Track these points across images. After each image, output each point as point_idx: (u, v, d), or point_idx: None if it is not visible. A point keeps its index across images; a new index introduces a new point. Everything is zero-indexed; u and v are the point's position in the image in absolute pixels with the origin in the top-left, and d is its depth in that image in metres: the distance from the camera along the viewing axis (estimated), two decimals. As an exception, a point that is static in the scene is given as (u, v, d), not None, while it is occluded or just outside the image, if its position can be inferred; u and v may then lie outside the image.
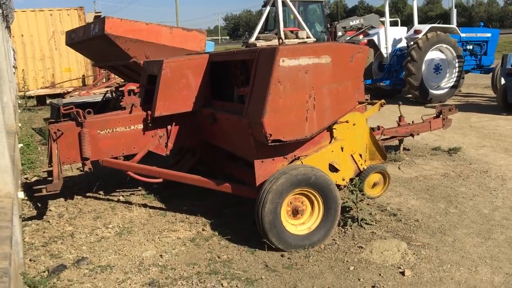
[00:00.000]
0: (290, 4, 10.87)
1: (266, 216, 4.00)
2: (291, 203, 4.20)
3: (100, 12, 22.14)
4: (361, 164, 4.73)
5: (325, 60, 4.12)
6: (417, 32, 12.38)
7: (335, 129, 4.52)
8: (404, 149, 7.24)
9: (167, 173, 5.06)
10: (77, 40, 7.73)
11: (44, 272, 3.91)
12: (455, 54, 12.46)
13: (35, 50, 16.92)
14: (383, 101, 4.80)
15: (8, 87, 8.20)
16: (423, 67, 12.07)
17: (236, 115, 4.46)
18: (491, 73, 13.07)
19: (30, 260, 4.13)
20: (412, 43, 12.21)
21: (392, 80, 13.06)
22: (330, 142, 4.55)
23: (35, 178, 6.63)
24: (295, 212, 4.21)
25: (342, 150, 4.58)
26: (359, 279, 3.70)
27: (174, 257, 4.15)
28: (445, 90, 12.59)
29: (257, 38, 10.80)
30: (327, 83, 4.17)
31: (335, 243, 4.31)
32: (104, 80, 15.71)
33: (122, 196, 5.79)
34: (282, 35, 9.92)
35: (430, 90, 12.29)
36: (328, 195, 4.22)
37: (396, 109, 6.92)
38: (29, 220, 5.08)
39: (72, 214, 5.27)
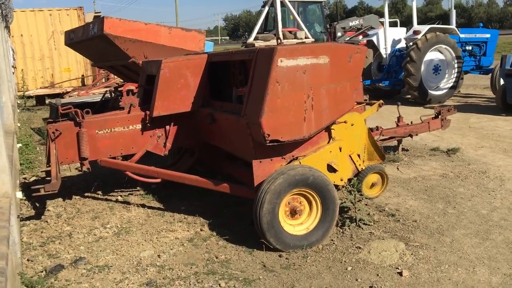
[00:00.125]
0: (289, 4, 10.88)
1: (264, 216, 4.00)
2: (289, 203, 4.20)
3: (100, 12, 22.16)
4: (359, 165, 4.73)
5: (323, 60, 4.12)
6: (416, 32, 12.39)
7: (333, 129, 4.52)
8: (403, 149, 7.24)
9: (165, 173, 5.05)
10: (76, 40, 7.73)
11: (42, 272, 3.91)
12: (454, 55, 12.46)
13: (34, 50, 16.93)
14: (381, 101, 4.80)
15: (7, 87, 8.20)
16: (422, 68, 12.07)
17: (234, 115, 4.46)
18: (490, 74, 13.07)
19: (28, 260, 4.13)
20: (411, 43, 12.21)
21: (391, 80, 13.06)
22: (328, 142, 4.55)
23: (33, 178, 6.62)
24: (293, 213, 4.21)
25: (340, 151, 4.58)
26: (356, 280, 3.70)
27: (172, 257, 4.15)
28: (444, 91, 12.60)
29: (256, 38, 10.81)
30: (325, 83, 4.17)
31: (333, 243, 4.30)
32: (103, 80, 15.71)
33: (121, 196, 5.79)
34: (281, 36, 9.92)
35: (429, 91, 12.29)
36: (326, 195, 4.22)
37: (395, 110, 6.93)
38: (27, 220, 5.07)
39: (70, 214, 5.27)
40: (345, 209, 4.72)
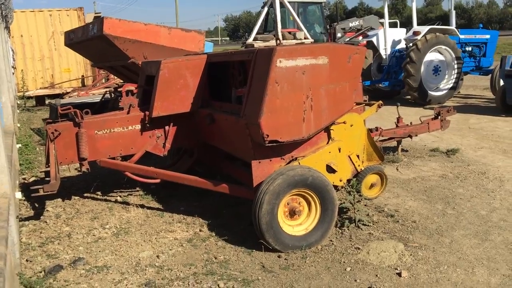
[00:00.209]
0: (288, 5, 10.88)
1: (263, 217, 4.00)
2: (288, 204, 4.19)
3: (100, 13, 22.16)
4: (359, 165, 4.73)
5: (323, 61, 4.12)
6: (416, 33, 12.39)
7: (332, 130, 4.52)
8: (402, 150, 7.24)
9: (164, 173, 5.06)
10: (76, 40, 7.73)
11: (41, 272, 3.90)
12: (454, 56, 12.47)
13: (34, 51, 16.93)
14: (380, 102, 4.80)
15: (7, 87, 8.20)
16: (422, 69, 12.07)
17: (233, 115, 4.46)
18: (490, 75, 13.07)
19: (27, 260, 4.13)
20: (411, 44, 12.22)
21: (391, 81, 13.06)
22: (327, 143, 4.55)
23: (33, 179, 6.62)
24: (292, 213, 4.21)
25: (340, 151, 4.58)
26: (355, 280, 3.70)
27: (171, 257, 4.15)
28: (444, 92, 12.60)
29: (255, 39, 10.80)
30: (324, 84, 4.17)
31: (332, 244, 4.30)
32: (103, 81, 15.71)
33: (120, 196, 5.79)
34: (280, 36, 9.92)
35: (429, 92, 12.29)
36: (325, 196, 4.21)
37: (394, 110, 6.93)
38: (26, 221, 5.07)
39: (70, 214, 5.27)
40: (344, 210, 4.72)
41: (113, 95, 8.14)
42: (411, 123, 6.88)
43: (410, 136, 6.72)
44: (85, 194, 5.91)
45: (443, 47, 12.35)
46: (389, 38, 13.30)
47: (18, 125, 10.73)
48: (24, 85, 16.40)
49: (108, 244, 4.44)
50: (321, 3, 16.09)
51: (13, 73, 14.60)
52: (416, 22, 13.40)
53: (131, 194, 5.86)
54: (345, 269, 3.86)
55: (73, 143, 4.89)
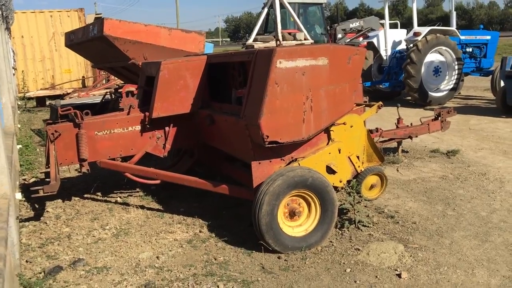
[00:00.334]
0: (288, 6, 10.88)
1: (263, 218, 3.99)
2: (288, 205, 4.19)
3: (101, 14, 22.18)
4: (359, 166, 4.73)
5: (322, 62, 4.12)
6: (416, 34, 12.39)
7: (332, 131, 4.52)
8: (403, 151, 7.23)
9: (164, 174, 5.05)
10: (76, 41, 7.73)
11: (40, 273, 3.90)
12: (454, 57, 12.46)
13: (35, 52, 16.94)
14: (380, 103, 4.79)
15: (7, 88, 8.20)
16: (423, 69, 12.07)
17: (233, 116, 4.46)
18: (490, 76, 13.06)
19: (27, 261, 4.13)
20: (411, 45, 12.21)
21: (392, 82, 13.06)
22: (327, 144, 4.55)
23: (33, 179, 6.62)
24: (292, 214, 4.20)
25: (340, 152, 4.57)
26: (355, 281, 3.69)
27: (171, 258, 4.15)
28: (445, 93, 12.59)
29: (255, 40, 10.80)
30: (324, 84, 4.17)
31: (332, 245, 4.30)
32: (103, 82, 15.71)
33: (120, 197, 5.79)
34: (280, 37, 9.92)
35: (430, 93, 12.29)
36: (325, 197, 4.21)
37: (395, 111, 6.92)
38: (26, 221, 5.07)
39: (69, 215, 5.27)
40: (344, 211, 4.72)
41: (113, 96, 8.14)
42: (411, 124, 6.87)
43: (410, 137, 6.71)
44: (85, 195, 5.91)
45: (444, 48, 12.34)
46: (390, 39, 13.30)
47: (19, 126, 10.74)
48: (24, 86, 16.41)
49: (108, 245, 4.44)
50: (321, 4, 16.09)
51: (13, 74, 14.62)
52: (417, 23, 13.39)
53: (131, 195, 5.86)
54: (345, 270, 3.86)
55: (73, 144, 4.90)
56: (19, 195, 4.91)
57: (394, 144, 7.02)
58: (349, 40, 14.16)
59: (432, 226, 4.68)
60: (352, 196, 4.60)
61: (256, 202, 4.04)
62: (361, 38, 14.15)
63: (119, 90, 8.01)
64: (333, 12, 63.97)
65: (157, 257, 4.17)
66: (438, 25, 13.22)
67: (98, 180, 6.37)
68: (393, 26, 14.39)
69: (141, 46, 6.66)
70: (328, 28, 15.84)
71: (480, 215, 4.91)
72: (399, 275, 3.74)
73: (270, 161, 4.32)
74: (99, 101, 8.37)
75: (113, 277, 3.83)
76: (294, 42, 10.21)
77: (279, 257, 4.07)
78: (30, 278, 3.80)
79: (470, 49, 13.43)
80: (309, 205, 4.26)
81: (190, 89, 5.09)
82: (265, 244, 4.08)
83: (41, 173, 6.00)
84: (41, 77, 17.06)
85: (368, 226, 4.61)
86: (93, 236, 4.68)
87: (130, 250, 4.33)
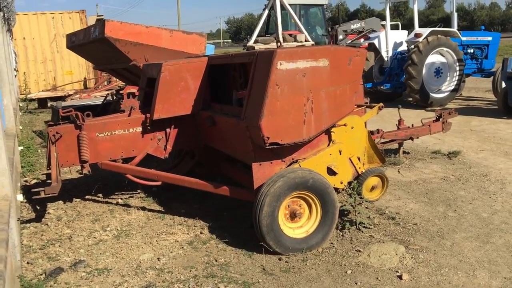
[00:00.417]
0: (289, 7, 10.87)
1: (264, 219, 3.99)
2: (288, 206, 4.19)
3: (102, 15, 22.23)
4: (359, 168, 4.73)
5: (323, 63, 4.12)
6: (417, 35, 12.38)
7: (333, 132, 4.52)
8: (404, 152, 7.23)
9: (165, 176, 5.06)
10: (78, 43, 7.76)
11: (41, 275, 3.91)
12: (455, 58, 12.45)
13: (36, 53, 16.98)
14: (381, 104, 4.79)
15: (9, 90, 8.22)
16: (424, 71, 12.05)
17: (234, 118, 4.46)
18: (492, 77, 13.04)
19: (28, 263, 4.13)
20: (412, 46, 12.21)
21: (393, 83, 13.05)
22: (328, 145, 4.55)
23: (34, 181, 6.63)
24: (293, 215, 4.20)
25: (340, 153, 4.57)
26: (356, 283, 3.69)
27: (172, 260, 4.15)
28: (446, 94, 12.58)
29: (256, 41, 10.80)
30: (325, 86, 4.17)
31: (333, 246, 4.30)
32: (105, 83, 15.74)
33: (121, 199, 5.79)
34: (281, 38, 9.92)
35: (431, 94, 12.27)
36: (326, 198, 4.21)
37: (396, 112, 6.91)
38: (27, 223, 5.08)
39: (71, 216, 5.27)
40: (345, 212, 4.72)
41: (115, 97, 8.15)
42: (412, 125, 6.87)
43: (412, 138, 6.71)
44: (87, 197, 5.92)
45: (445, 49, 12.33)
46: (391, 40, 13.30)
47: (20, 127, 10.75)
48: (26, 87, 16.45)
49: (109, 247, 4.45)
50: (322, 5, 16.09)
51: (15, 76, 14.64)
52: (418, 24, 13.38)
53: (132, 197, 5.86)
54: (346, 272, 3.85)
55: (75, 146, 4.90)
56: (20, 197, 4.92)
57: (395, 145, 7.01)
58: (350, 41, 14.16)
59: (433, 227, 4.67)
60: (353, 198, 4.59)
61: (256, 203, 4.04)
62: (362, 39, 14.15)
63: (121, 92, 8.03)
64: (334, 13, 63.96)
65: (158, 258, 4.17)
66: (439, 26, 13.21)
67: (100, 182, 6.38)
68: (394, 27, 14.38)
69: (142, 48, 6.67)
70: (329, 30, 15.84)
71: (481, 217, 4.90)
72: (400, 277, 3.74)
73: (271, 163, 4.32)
74: (100, 103, 8.37)
75: (114, 279, 3.83)
76: (295, 44, 10.20)
77: (280, 259, 4.07)
78: (31, 280, 3.80)
79: (472, 50, 13.40)
80: (310, 206, 4.26)
81: (191, 91, 5.10)
82: (266, 246, 4.08)
83: (42, 174, 6.02)
84: (43, 79, 17.09)
85: (369, 228, 4.61)
86: (94, 237, 4.68)
87: (131, 251, 4.34)
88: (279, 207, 4.06)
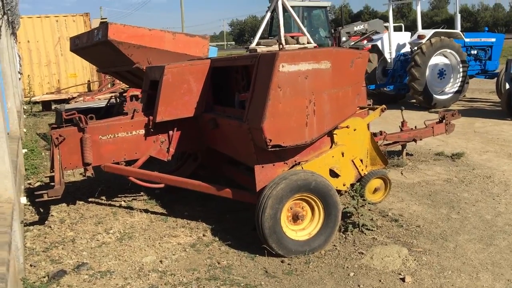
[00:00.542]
0: (291, 9, 10.87)
1: (266, 222, 3.99)
2: (291, 209, 4.19)
3: (106, 18, 22.29)
4: (362, 170, 4.72)
5: (325, 65, 4.12)
6: (420, 37, 12.36)
7: (335, 134, 4.52)
8: (407, 154, 7.22)
9: (168, 178, 5.07)
10: (81, 46, 7.78)
11: (44, 277, 3.92)
12: (459, 59, 12.42)
13: (41, 56, 17.06)
14: (384, 106, 4.79)
15: (12, 92, 8.25)
16: (427, 72, 12.02)
17: (236, 120, 4.47)
18: (495, 78, 13.00)
19: (31, 265, 4.14)
20: (415, 48, 12.19)
21: (396, 85, 13.03)
22: (330, 147, 4.55)
23: (38, 184, 6.65)
24: (295, 218, 4.20)
25: (343, 155, 4.57)
26: (359, 286, 3.68)
27: (174, 262, 4.15)
28: (449, 95, 12.55)
29: (258, 44, 10.80)
30: (327, 88, 4.17)
31: (336, 249, 4.29)
32: (109, 86, 15.79)
33: (124, 201, 5.80)
34: (283, 41, 9.92)
35: (434, 95, 12.24)
36: (328, 200, 4.20)
37: (399, 114, 6.90)
38: (31, 226, 5.09)
39: (74, 219, 5.28)
40: (348, 214, 4.71)
41: (118, 100, 8.18)
42: (415, 127, 6.85)
43: (415, 140, 6.70)
44: (90, 199, 5.93)
45: (448, 50, 12.30)
46: (394, 42, 13.29)
47: (24, 130, 10.80)
48: (30, 90, 16.52)
49: (112, 249, 4.45)
50: (325, 7, 16.10)
51: (19, 79, 14.71)
52: (422, 26, 13.36)
53: (135, 199, 5.87)
54: (349, 274, 3.84)
55: (78, 148, 4.92)
56: (24, 199, 4.94)
57: (398, 147, 7.00)
58: (353, 43, 14.16)
59: (437, 229, 4.66)
60: (355, 200, 4.59)
61: (259, 205, 4.04)
62: (365, 41, 14.14)
63: (124, 94, 8.06)
64: (338, 15, 63.96)
65: (161, 261, 4.17)
66: (442, 28, 13.19)
67: (103, 184, 6.40)
68: (397, 29, 14.37)
69: (146, 51, 6.69)
70: (333, 31, 15.85)
71: (484, 219, 4.88)
72: (403, 279, 3.73)
73: (273, 165, 4.32)
74: (104, 105, 8.40)
75: (117, 281, 3.83)
76: (297, 46, 10.20)
77: (282, 261, 4.07)
78: (34, 282, 3.81)
79: (475, 52, 13.37)
80: (312, 208, 4.25)
81: (193, 93, 5.11)
82: (268, 248, 4.07)
83: (45, 177, 6.04)
84: (47, 82, 17.17)
85: (372, 230, 4.59)
86: (97, 240, 4.69)
87: (133, 254, 4.34)
88: (281, 210, 4.06)
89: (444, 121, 6.80)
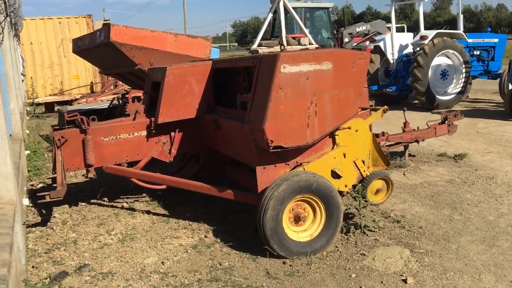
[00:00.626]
0: (292, 10, 10.88)
1: (268, 223, 3.99)
2: (293, 210, 4.18)
3: (109, 20, 22.31)
4: (364, 171, 4.71)
5: (326, 66, 4.12)
6: (423, 38, 12.34)
7: (337, 135, 4.51)
8: (410, 155, 7.20)
9: (170, 179, 5.07)
10: (83, 47, 7.79)
11: (46, 279, 3.92)
12: (461, 60, 12.39)
13: (44, 58, 17.09)
14: (385, 107, 4.77)
15: (15, 94, 8.27)
16: (430, 73, 12.00)
17: (238, 121, 4.47)
18: (498, 79, 12.97)
19: (33, 267, 4.14)
20: (418, 49, 12.17)
21: (399, 86, 13.00)
22: (332, 148, 4.54)
23: (41, 185, 6.67)
24: (297, 219, 4.19)
25: (345, 157, 4.56)
26: (360, 287, 3.67)
27: (176, 264, 4.15)
28: (452, 96, 12.52)
29: (260, 45, 10.81)
30: (329, 89, 4.17)
31: (338, 250, 4.28)
32: (112, 87, 15.81)
33: (126, 202, 5.81)
34: (284, 42, 9.93)
35: (437, 96, 12.22)
36: (330, 201, 4.20)
37: (402, 115, 6.90)
38: (33, 227, 5.10)
39: (76, 220, 5.29)
40: (350, 216, 4.70)
41: (121, 101, 8.19)
42: (417, 128, 6.84)
43: (417, 141, 6.68)
44: (92, 200, 5.94)
45: (451, 51, 12.28)
46: (396, 42, 13.26)
47: (27, 131, 10.82)
48: (33, 92, 16.56)
49: (114, 251, 4.45)
50: (328, 8, 16.11)
51: (22, 81, 14.75)
52: (424, 26, 13.34)
53: (137, 200, 5.88)
54: (350, 276, 3.84)
55: (80, 150, 4.93)
56: (26, 201, 4.94)
57: (401, 148, 6.98)
58: (355, 44, 14.14)
59: (439, 230, 4.65)
60: (357, 201, 4.58)
61: (260, 207, 4.04)
62: (367, 42, 14.13)
63: (127, 96, 8.08)
64: (340, 16, 63.97)
65: (162, 262, 4.17)
66: (445, 29, 13.17)
67: (105, 185, 6.40)
68: (400, 29, 14.35)
69: (148, 52, 6.69)
70: (335, 32, 15.84)
71: (487, 220, 4.87)
72: (404, 281, 3.72)
73: (275, 166, 4.32)
74: (106, 107, 8.42)
75: (118, 283, 3.84)
76: (299, 47, 10.20)
77: (284, 262, 4.06)
78: (36, 284, 3.82)
79: (478, 52, 13.34)
80: (314, 210, 4.25)
81: (195, 94, 5.11)
82: (270, 249, 4.07)
83: (48, 178, 6.04)
84: (50, 83, 17.19)
85: (374, 231, 4.58)
86: (99, 241, 4.69)
87: (135, 255, 4.34)
88: (283, 211, 4.05)
89: (446, 122, 6.78)
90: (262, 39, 11.45)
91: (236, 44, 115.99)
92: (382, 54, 13.46)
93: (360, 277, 3.82)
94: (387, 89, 13.20)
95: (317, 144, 4.39)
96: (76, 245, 4.61)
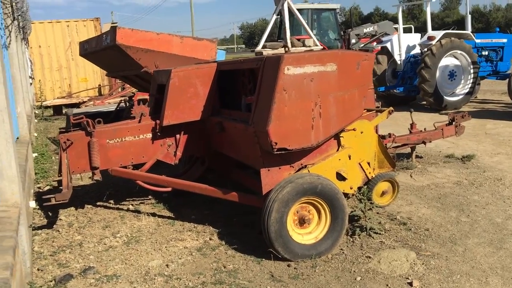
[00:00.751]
0: (296, 11, 10.86)
1: (272, 225, 3.97)
2: (297, 212, 4.16)
3: (116, 23, 22.48)
4: (369, 173, 4.68)
5: (331, 68, 4.10)
6: (430, 38, 12.28)
7: (342, 137, 4.49)
8: (417, 156, 7.14)
9: (175, 182, 5.07)
10: (90, 50, 7.83)
11: (51, 281, 3.93)
12: (470, 60, 12.31)
13: (52, 61, 17.24)
14: (391, 108, 4.74)
15: (22, 97, 8.33)
16: (437, 74, 11.94)
17: (243, 123, 4.45)
18: (507, 79, 12.85)
19: (38, 269, 4.15)
20: (425, 49, 12.10)
21: (406, 87, 12.95)
22: (337, 150, 4.51)
23: (47, 187, 6.69)
24: (302, 221, 4.17)
25: (350, 158, 4.54)
26: (365, 290, 3.64)
27: (180, 266, 4.14)
28: (460, 97, 12.44)
29: (264, 47, 10.80)
30: (333, 91, 4.15)
31: (343, 252, 4.25)
32: (119, 90, 15.89)
33: (132, 205, 5.81)
34: (289, 43, 9.91)
35: (445, 97, 12.15)
36: (335, 204, 4.17)
37: (409, 116, 6.85)
38: (39, 229, 5.12)
39: (82, 223, 5.30)
40: (355, 218, 4.67)
41: (128, 104, 8.21)
42: (425, 129, 6.79)
43: (424, 143, 6.63)
44: (98, 203, 5.95)
45: (459, 51, 12.20)
46: (404, 43, 13.21)
47: (35, 134, 10.89)
48: (42, 95, 16.68)
49: (119, 253, 4.46)
50: (335, 9, 16.09)
51: (31, 84, 14.86)
52: (432, 27, 13.27)
53: (143, 203, 5.88)
54: (355, 279, 3.81)
55: (85, 152, 4.94)
56: (33, 203, 4.96)
57: (408, 150, 6.94)
58: (363, 45, 14.10)
59: (446, 233, 4.60)
60: (363, 203, 4.55)
61: (265, 209, 4.02)
62: (375, 43, 14.08)
63: (133, 98, 8.10)
64: (348, 17, 63.77)
65: (167, 265, 4.17)
66: (452, 29, 13.09)
67: (111, 188, 6.42)
68: (407, 30, 14.29)
69: (154, 55, 6.72)
70: (342, 34, 15.81)
71: (495, 222, 4.81)
72: (410, 284, 3.68)
73: (279, 168, 4.30)
74: (113, 109, 8.45)
75: (123, 285, 3.84)
76: (303, 49, 10.18)
77: (288, 265, 4.04)
78: (41, 286, 3.82)
79: (486, 53, 13.24)
80: (319, 212, 4.22)
81: (200, 97, 5.11)
82: (274, 252, 4.05)
83: (54, 181, 6.07)
84: (58, 86, 17.34)
85: (379, 233, 4.55)
86: (104, 244, 4.70)
87: (140, 258, 4.34)
88: (287, 213, 4.03)
89: (454, 123, 6.73)
90: (269, 40, 11.44)
91: (243, 46, 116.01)
92: (390, 55, 13.41)
93: (365, 280, 3.79)
94: (395, 90, 13.15)
95: (321, 146, 4.37)
96: (82, 248, 4.62)
